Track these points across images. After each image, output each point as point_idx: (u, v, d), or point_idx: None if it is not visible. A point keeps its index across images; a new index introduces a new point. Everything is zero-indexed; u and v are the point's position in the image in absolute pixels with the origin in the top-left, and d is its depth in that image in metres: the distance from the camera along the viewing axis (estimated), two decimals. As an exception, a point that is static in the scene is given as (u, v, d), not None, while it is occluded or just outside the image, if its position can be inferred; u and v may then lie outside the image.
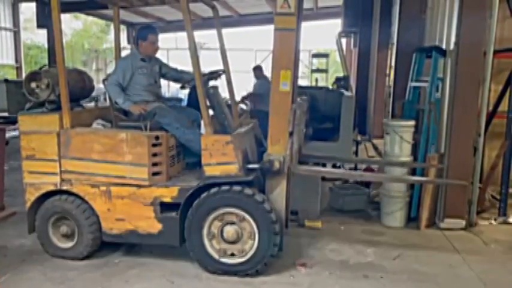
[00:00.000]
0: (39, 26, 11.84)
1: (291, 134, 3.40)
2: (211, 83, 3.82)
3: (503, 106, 4.96)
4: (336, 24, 13.72)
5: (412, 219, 4.62)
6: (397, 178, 4.48)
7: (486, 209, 4.91)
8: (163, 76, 4.19)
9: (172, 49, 18.54)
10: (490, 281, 3.41)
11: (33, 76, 3.82)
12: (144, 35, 3.95)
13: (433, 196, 4.51)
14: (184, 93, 10.23)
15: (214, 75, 3.91)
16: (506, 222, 4.66)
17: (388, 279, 3.43)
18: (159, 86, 4.21)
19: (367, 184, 5.62)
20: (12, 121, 7.93)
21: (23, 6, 16.49)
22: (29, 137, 3.63)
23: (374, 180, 5.05)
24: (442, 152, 4.52)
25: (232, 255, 3.41)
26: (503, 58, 4.98)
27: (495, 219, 4.71)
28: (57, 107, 3.70)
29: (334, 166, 6.83)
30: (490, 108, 5.06)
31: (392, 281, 3.41)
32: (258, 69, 8.94)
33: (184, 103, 8.31)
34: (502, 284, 3.37)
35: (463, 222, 4.44)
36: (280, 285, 3.32)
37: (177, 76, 4.21)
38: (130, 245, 3.82)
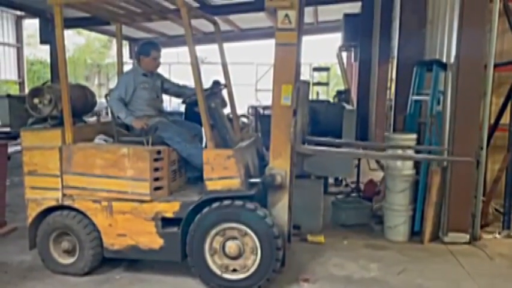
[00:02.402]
0: (42, 41, 11.94)
1: (294, 113, 3.36)
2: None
3: (505, 119, 4.96)
4: (336, 38, 13.82)
5: (415, 233, 4.58)
6: (402, 156, 4.36)
7: (490, 223, 4.87)
8: (165, 91, 4.22)
9: (174, 63, 18.68)
10: (495, 296, 3.37)
11: (36, 92, 3.85)
12: (146, 50, 3.98)
13: (436, 210, 4.48)
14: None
15: (216, 89, 3.93)
16: (510, 236, 4.61)
17: (392, 294, 3.39)
18: (161, 101, 4.23)
19: (369, 198, 5.59)
20: (14, 136, 7.95)
21: (26, 22, 16.69)
22: (31, 153, 3.63)
23: (378, 158, 4.95)
24: (444, 165, 4.50)
25: (235, 270, 3.38)
26: (504, 71, 5.01)
27: (499, 233, 4.66)
28: (59, 123, 3.72)
29: (336, 180, 6.84)
30: (492, 121, 5.06)
31: (396, 296, 3.37)
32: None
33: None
34: (508, 299, 3.33)
35: (467, 236, 4.40)
36: (283, 301, 3.28)
37: (178, 91, 4.24)
38: (131, 261, 3.79)
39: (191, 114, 4.45)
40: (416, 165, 4.66)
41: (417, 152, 4.54)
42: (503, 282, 3.63)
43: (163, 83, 4.17)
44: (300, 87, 3.47)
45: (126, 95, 3.87)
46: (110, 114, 4.09)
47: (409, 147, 4.46)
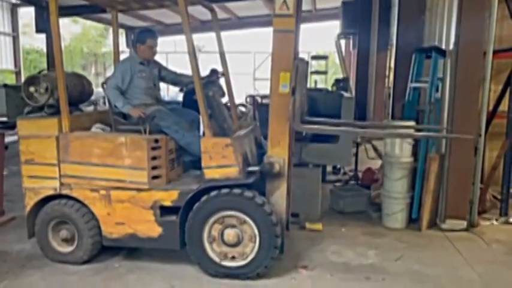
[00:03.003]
0: (38, 30, 11.81)
1: (293, 91, 3.33)
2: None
3: (503, 106, 4.96)
4: (334, 26, 13.73)
5: (413, 221, 4.60)
6: (401, 134, 4.34)
7: (487, 210, 4.90)
8: (162, 79, 4.19)
9: (171, 52, 18.56)
10: (492, 281, 3.39)
11: (32, 80, 3.81)
12: (142, 38, 3.94)
13: (434, 197, 4.49)
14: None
15: (213, 78, 3.90)
16: (507, 223, 4.65)
17: (390, 281, 3.42)
18: (158, 89, 4.20)
19: (367, 186, 5.61)
20: (11, 126, 7.90)
21: (22, 11, 16.49)
22: (28, 142, 3.61)
23: (378, 136, 4.91)
24: (442, 152, 4.51)
25: (233, 258, 3.39)
26: (503, 58, 4.98)
27: (496, 220, 4.69)
28: (56, 111, 3.69)
29: (334, 168, 6.85)
30: (490, 108, 5.05)
31: (394, 282, 3.39)
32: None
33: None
34: (505, 285, 3.36)
35: (465, 223, 4.42)
36: (281, 288, 3.31)
37: (176, 79, 4.21)
38: (130, 249, 3.80)
39: (189, 103, 4.42)
40: (415, 152, 4.66)
41: (417, 132, 4.51)
42: (500, 268, 3.66)
43: (161, 71, 4.13)
44: (299, 65, 3.43)
45: (122, 83, 3.84)
46: (107, 103, 4.07)
47: (408, 127, 4.45)
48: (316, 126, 3.77)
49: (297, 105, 3.42)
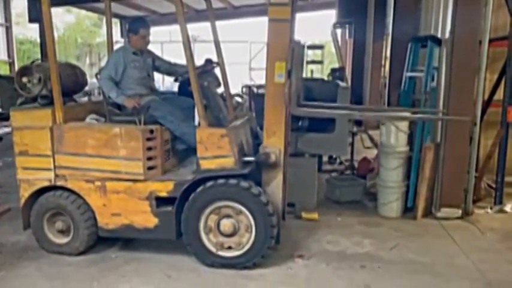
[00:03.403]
0: (31, 20, 11.68)
1: (288, 74, 3.30)
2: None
3: (499, 95, 4.96)
4: (330, 15, 13.66)
5: (408, 209, 4.62)
6: (398, 116, 4.35)
7: (482, 198, 4.92)
8: (157, 69, 4.15)
9: (166, 42, 18.39)
10: (486, 269, 3.42)
11: (25, 71, 3.77)
12: (135, 28, 3.89)
13: (429, 186, 4.51)
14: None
15: (208, 67, 3.87)
16: (502, 211, 4.68)
17: (385, 269, 3.44)
18: (153, 79, 4.16)
19: (363, 175, 5.62)
20: (5, 117, 7.84)
21: (15, 0, 16.28)
22: (22, 133, 3.58)
23: (375, 118, 4.89)
24: (438, 141, 4.52)
25: (230, 248, 3.40)
26: (498, 47, 4.97)
27: (491, 208, 4.72)
28: (49, 102, 3.65)
29: (330, 158, 6.86)
30: (486, 97, 5.05)
31: (389, 271, 3.42)
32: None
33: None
34: (499, 272, 3.39)
35: (459, 212, 4.45)
36: (278, 277, 3.32)
37: (170, 69, 4.17)
38: (126, 240, 3.80)
39: (185, 92, 4.40)
40: (410, 142, 4.67)
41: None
42: (494, 256, 3.69)
43: (155, 61, 4.10)
44: (294, 47, 3.40)
45: (116, 74, 3.80)
46: (101, 94, 4.04)
47: (405, 110, 4.43)
48: (312, 110, 3.75)
49: (293, 88, 3.39)
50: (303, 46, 3.88)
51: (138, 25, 3.90)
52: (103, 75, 3.81)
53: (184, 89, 4.44)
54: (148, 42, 3.99)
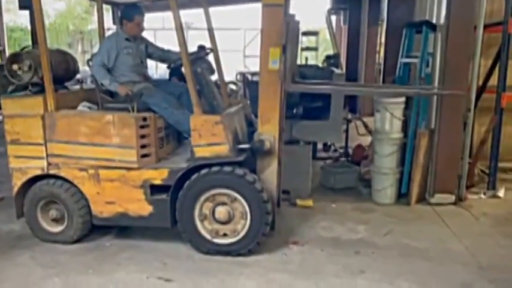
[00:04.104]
0: (21, 7, 11.48)
1: (283, 49, 3.26)
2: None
3: (493, 81, 4.96)
4: (325, 1, 13.54)
5: (402, 196, 4.65)
6: (395, 91, 4.35)
7: (475, 184, 4.96)
8: (150, 56, 4.10)
9: (159, 29, 18.17)
10: (479, 253, 3.46)
11: (15, 58, 3.71)
12: (130, 15, 3.83)
13: (423, 172, 4.53)
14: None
15: (202, 54, 3.83)
16: (495, 196, 4.72)
17: (379, 254, 3.47)
18: (146, 66, 4.12)
19: (357, 162, 5.64)
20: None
21: (4, -13, 15.97)
22: (13, 121, 3.53)
23: (371, 94, 4.88)
24: (432, 127, 4.52)
25: (225, 235, 3.40)
26: (493, 32, 4.95)
27: (484, 194, 4.76)
28: (41, 89, 3.60)
29: (324, 145, 6.86)
30: (480, 83, 5.05)
31: (383, 256, 3.44)
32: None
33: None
34: (491, 257, 3.42)
35: (453, 197, 4.48)
36: (272, 263, 3.34)
37: (163, 56, 4.12)
38: (121, 228, 3.80)
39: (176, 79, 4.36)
40: (404, 128, 4.67)
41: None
42: (487, 240, 3.73)
43: (148, 48, 4.04)
44: (289, 21, 3.36)
45: (108, 60, 3.75)
46: (94, 82, 3.98)
47: (400, 87, 4.42)
48: (308, 85, 3.71)
49: (288, 64, 3.35)
50: (298, 22, 3.80)
51: (133, 12, 3.84)
52: (95, 62, 3.76)
53: (175, 75, 4.40)
54: (142, 29, 3.94)
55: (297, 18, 3.73)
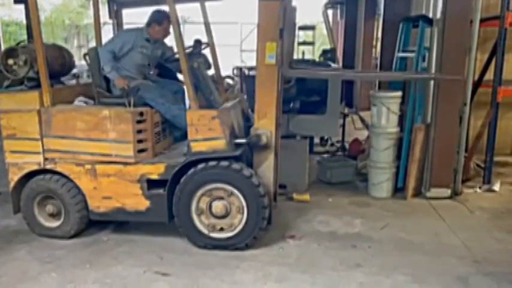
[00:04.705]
0: (16, 1, 11.41)
1: (280, 34, 3.25)
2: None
3: (489, 75, 4.97)
4: (322, -5, 13.46)
5: (398, 190, 4.67)
6: (393, 75, 4.36)
7: (471, 178, 4.99)
8: (166, 60, 4.14)
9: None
10: (475, 247, 3.48)
11: (10, 52, 3.69)
12: (160, 19, 3.86)
13: (419, 166, 4.55)
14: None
15: (198, 49, 3.82)
16: (490, 190, 4.74)
17: (375, 248, 3.49)
18: (150, 70, 4.16)
19: (354, 156, 5.65)
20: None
21: (-2, -19, 15.85)
22: (9, 116, 3.53)
23: (369, 79, 4.90)
24: (428, 122, 4.54)
25: (222, 229, 3.41)
26: (489, 26, 4.96)
27: (480, 188, 4.79)
28: (36, 84, 3.59)
29: (321, 139, 6.87)
30: (476, 77, 5.07)
31: (379, 250, 3.46)
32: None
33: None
34: (487, 250, 3.45)
35: (449, 191, 4.51)
36: (269, 257, 3.35)
37: (177, 65, 4.11)
38: (118, 223, 3.80)
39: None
40: (401, 123, 4.68)
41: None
42: (482, 234, 3.75)
43: (165, 53, 4.08)
44: (287, 6, 3.35)
45: (119, 51, 3.79)
46: (90, 77, 3.97)
47: (398, 73, 4.43)
48: (305, 70, 3.69)
49: (284, 49, 3.34)
50: (295, 8, 3.78)
51: (163, 16, 3.85)
52: (105, 47, 3.80)
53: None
54: (168, 34, 3.96)
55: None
